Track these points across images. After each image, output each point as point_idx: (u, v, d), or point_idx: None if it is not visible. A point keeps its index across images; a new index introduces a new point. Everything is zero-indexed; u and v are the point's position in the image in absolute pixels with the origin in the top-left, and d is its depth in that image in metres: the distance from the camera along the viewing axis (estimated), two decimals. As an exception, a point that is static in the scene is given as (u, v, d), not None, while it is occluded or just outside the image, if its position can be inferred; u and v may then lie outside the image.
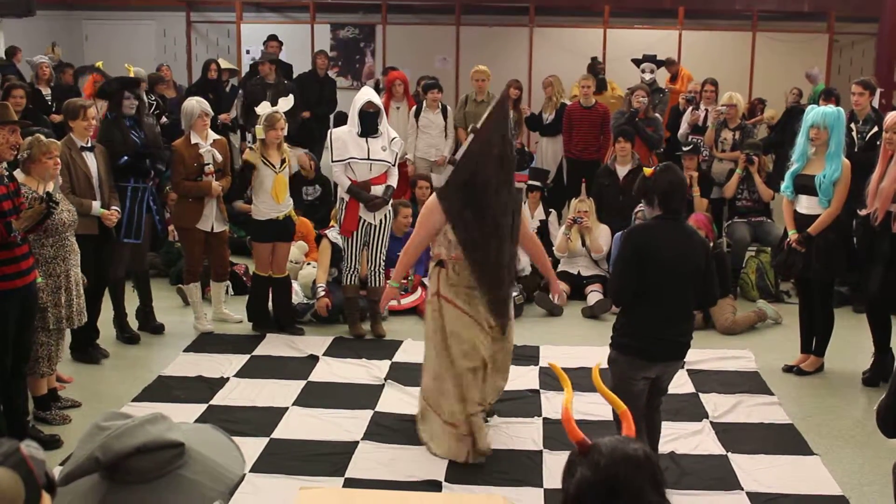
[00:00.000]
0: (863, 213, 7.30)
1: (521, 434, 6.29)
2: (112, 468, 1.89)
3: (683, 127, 11.04)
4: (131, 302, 8.33)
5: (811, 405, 7.00)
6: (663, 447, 5.87)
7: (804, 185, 7.31)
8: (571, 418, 2.64)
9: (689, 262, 5.00)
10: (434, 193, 6.05)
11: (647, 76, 12.16)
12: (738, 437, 6.28)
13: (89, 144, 7.40)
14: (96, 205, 7.28)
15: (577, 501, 2.36)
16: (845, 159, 7.25)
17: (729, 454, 5.96)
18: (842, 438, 6.43)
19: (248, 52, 15.62)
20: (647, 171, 5.19)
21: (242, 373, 7.44)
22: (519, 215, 6.02)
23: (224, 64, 13.10)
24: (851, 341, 8.03)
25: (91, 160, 7.35)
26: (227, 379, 7.28)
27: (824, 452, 6.16)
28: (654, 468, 2.39)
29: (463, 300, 5.85)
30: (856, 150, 8.49)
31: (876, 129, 8.55)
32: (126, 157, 7.78)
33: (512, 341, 6.32)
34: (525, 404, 6.83)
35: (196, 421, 6.42)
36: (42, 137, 6.27)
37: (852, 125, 8.69)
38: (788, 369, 7.64)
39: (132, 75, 9.37)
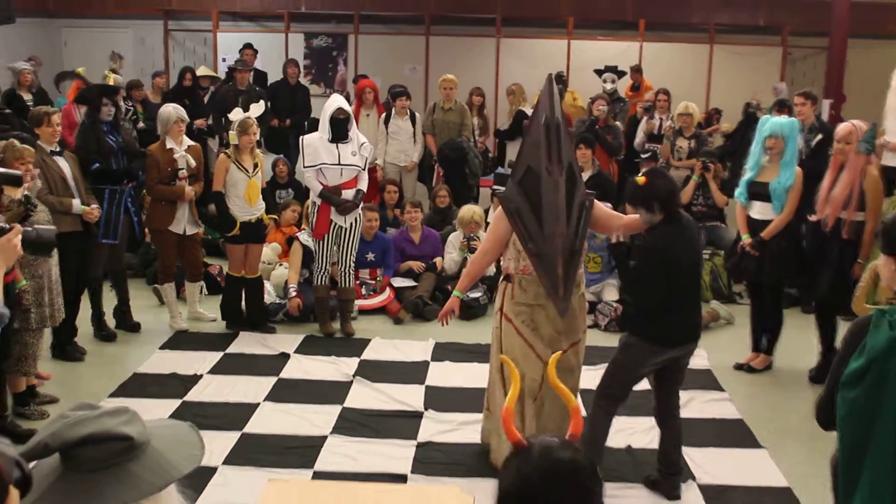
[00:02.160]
0: (813, 219, 7.41)
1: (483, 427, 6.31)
2: (64, 455, 1.92)
3: (640, 136, 11.14)
4: (109, 301, 8.31)
5: (760, 401, 7.09)
6: (618, 440, 5.96)
7: (758, 192, 7.41)
8: (510, 419, 2.62)
9: (698, 253, 5.31)
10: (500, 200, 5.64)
11: (609, 86, 12.26)
12: (691, 430, 6.31)
13: (58, 149, 7.40)
14: (76, 202, 7.28)
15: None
16: (798, 167, 7.36)
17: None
18: (788, 433, 6.52)
19: (223, 59, 15.53)
20: (640, 179, 5.18)
21: (216, 370, 7.46)
22: (585, 208, 5.47)
23: (205, 71, 13.05)
24: (800, 341, 8.11)
25: (63, 163, 7.35)
26: (201, 376, 7.30)
27: (771, 446, 6.26)
28: (579, 481, 2.30)
29: (523, 322, 5.51)
30: (802, 157, 8.58)
31: (820, 136, 8.68)
32: (97, 164, 7.79)
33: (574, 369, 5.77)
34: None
35: (170, 416, 6.44)
36: (16, 143, 6.24)
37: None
38: (739, 367, 7.73)
39: (111, 83, 9.37)
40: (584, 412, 6.39)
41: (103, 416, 1.96)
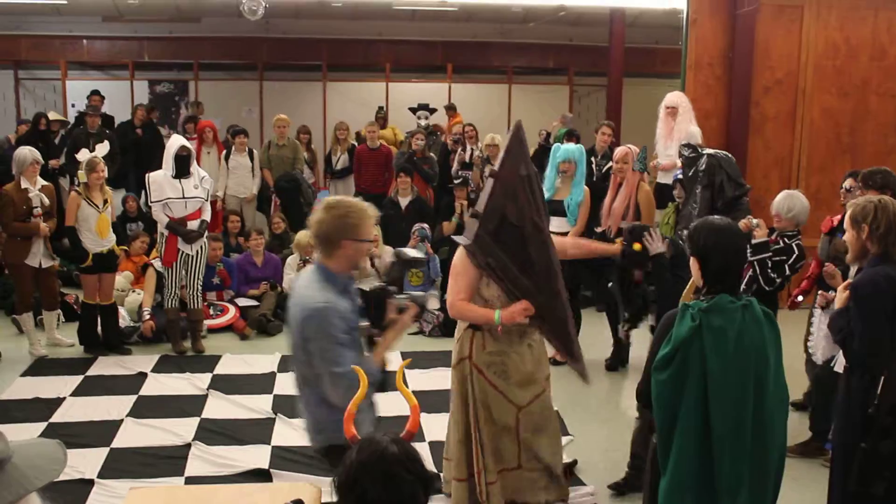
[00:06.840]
0: (599, 229, 7.67)
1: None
2: None
3: (455, 165, 11.28)
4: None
5: (567, 390, 7.23)
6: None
7: (554, 209, 7.61)
8: (350, 418, 2.71)
9: None
10: (463, 250, 4.60)
11: (423, 122, 12.37)
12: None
13: None
14: None
15: (338, 493, 2.38)
16: (586, 186, 7.62)
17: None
18: (590, 414, 6.75)
19: (73, 105, 15.00)
20: (636, 246, 5.03)
21: (78, 392, 7.12)
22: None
23: (55, 116, 12.56)
24: (595, 335, 8.37)
25: None
26: (64, 398, 6.96)
27: (578, 427, 6.43)
28: (389, 469, 2.30)
29: (495, 372, 4.68)
30: (594, 179, 8.89)
31: (611, 162, 9.01)
32: None
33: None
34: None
35: (38, 437, 6.13)
36: None
37: (592, 159, 9.12)
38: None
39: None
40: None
41: None
